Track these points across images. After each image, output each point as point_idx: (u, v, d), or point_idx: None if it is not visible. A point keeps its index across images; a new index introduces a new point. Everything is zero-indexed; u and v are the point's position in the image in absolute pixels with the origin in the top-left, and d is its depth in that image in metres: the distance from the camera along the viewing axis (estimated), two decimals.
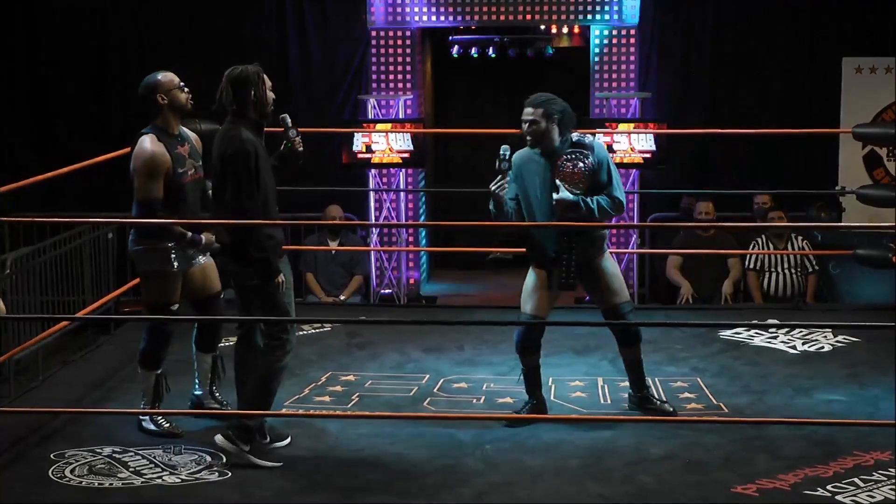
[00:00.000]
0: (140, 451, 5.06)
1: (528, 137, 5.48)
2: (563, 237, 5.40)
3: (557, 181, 5.36)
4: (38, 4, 10.93)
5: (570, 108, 5.50)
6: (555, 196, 5.36)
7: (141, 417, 5.35)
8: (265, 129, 5.10)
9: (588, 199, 5.35)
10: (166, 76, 5.32)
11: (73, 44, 10.90)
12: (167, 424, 5.31)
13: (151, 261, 5.29)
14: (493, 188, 5.41)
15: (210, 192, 5.27)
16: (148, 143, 5.21)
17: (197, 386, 5.60)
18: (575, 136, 5.44)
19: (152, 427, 5.31)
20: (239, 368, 5.19)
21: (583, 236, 5.42)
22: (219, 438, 5.02)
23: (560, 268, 5.45)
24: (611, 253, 5.71)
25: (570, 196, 5.34)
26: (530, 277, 5.60)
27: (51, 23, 10.93)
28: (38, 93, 11.04)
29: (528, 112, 5.46)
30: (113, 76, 10.92)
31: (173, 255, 5.29)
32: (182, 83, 5.32)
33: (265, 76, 5.05)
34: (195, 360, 5.58)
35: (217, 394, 5.62)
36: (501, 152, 5.47)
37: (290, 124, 5.23)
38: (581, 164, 5.34)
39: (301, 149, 5.24)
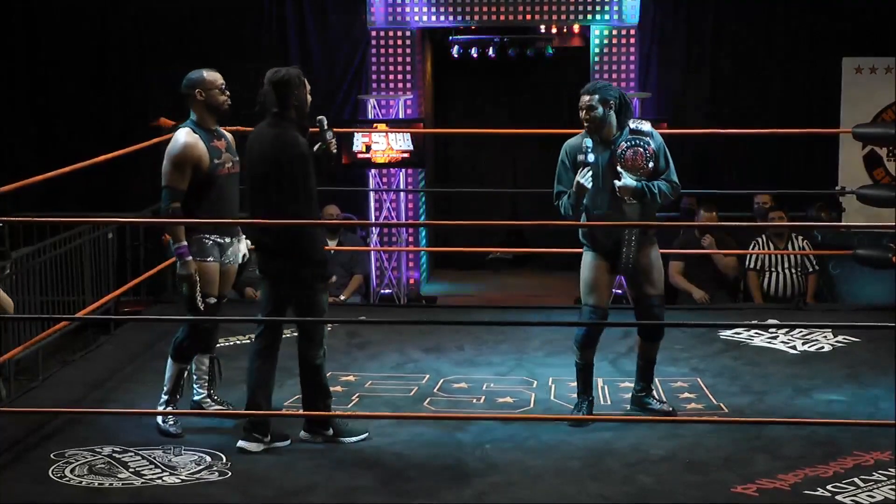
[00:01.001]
0: (140, 452, 5.05)
1: (587, 125, 5.41)
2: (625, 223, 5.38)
3: (619, 168, 5.35)
4: (38, 4, 10.94)
5: (625, 95, 5.48)
6: (617, 183, 5.34)
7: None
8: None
9: (650, 185, 5.35)
10: (211, 75, 5.36)
11: (73, 44, 10.91)
12: (171, 422, 5.31)
13: (191, 253, 5.28)
14: (581, 180, 5.33)
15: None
16: (182, 135, 5.26)
17: (196, 389, 5.60)
18: (632, 123, 5.44)
19: (161, 425, 5.31)
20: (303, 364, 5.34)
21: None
22: (303, 434, 5.24)
23: (621, 252, 5.42)
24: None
25: (633, 182, 5.33)
26: (589, 267, 5.51)
27: (51, 23, 10.94)
28: (38, 93, 11.06)
29: (585, 100, 5.39)
30: (113, 76, 10.94)
31: (210, 247, 5.30)
32: (224, 84, 5.36)
33: (304, 78, 5.15)
34: (193, 363, 5.58)
35: (216, 396, 5.63)
36: (585, 145, 5.41)
37: (326, 126, 5.27)
38: (642, 150, 5.34)
39: (335, 150, 5.30)
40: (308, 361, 5.26)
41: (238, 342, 6.98)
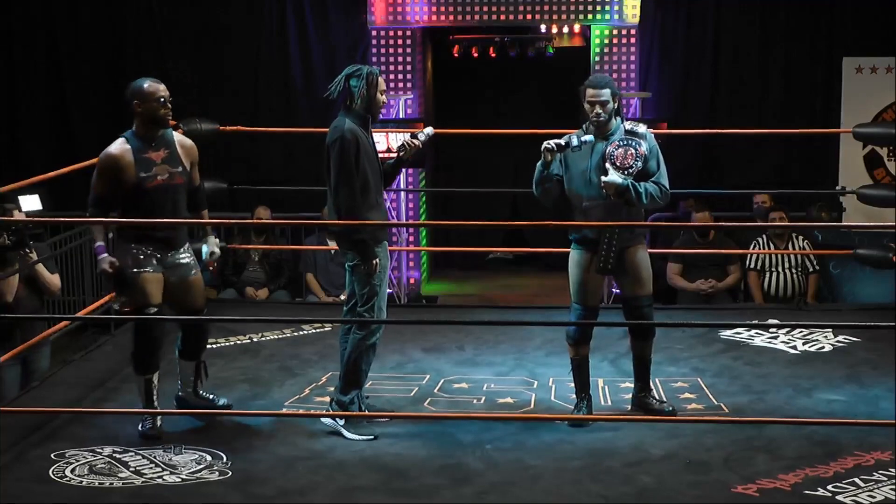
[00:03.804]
0: (140, 451, 5.05)
1: (601, 118, 5.38)
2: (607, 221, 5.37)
3: (607, 164, 5.35)
4: (42, 5, 10.94)
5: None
6: (603, 178, 5.33)
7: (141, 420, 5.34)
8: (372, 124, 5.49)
9: (637, 185, 5.33)
10: (151, 87, 5.31)
11: (73, 44, 10.92)
12: (150, 424, 5.28)
13: (125, 263, 5.32)
14: (545, 143, 5.35)
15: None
16: (113, 145, 5.30)
17: (179, 385, 5.60)
18: (628, 124, 5.44)
19: (139, 429, 5.29)
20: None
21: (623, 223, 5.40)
22: (327, 397, 5.47)
23: (601, 252, 5.43)
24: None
25: (619, 179, 5.32)
26: (576, 265, 5.53)
27: (52, 23, 10.94)
28: (38, 92, 11.06)
29: (599, 94, 5.36)
30: (113, 76, 10.93)
31: (144, 258, 5.31)
32: (163, 97, 5.30)
33: (380, 79, 5.41)
34: (177, 365, 5.59)
35: (201, 392, 5.62)
36: (583, 137, 5.43)
37: (428, 133, 5.77)
38: (633, 150, 5.33)
39: (410, 148, 5.61)
40: (352, 340, 5.45)
41: (238, 342, 6.98)
